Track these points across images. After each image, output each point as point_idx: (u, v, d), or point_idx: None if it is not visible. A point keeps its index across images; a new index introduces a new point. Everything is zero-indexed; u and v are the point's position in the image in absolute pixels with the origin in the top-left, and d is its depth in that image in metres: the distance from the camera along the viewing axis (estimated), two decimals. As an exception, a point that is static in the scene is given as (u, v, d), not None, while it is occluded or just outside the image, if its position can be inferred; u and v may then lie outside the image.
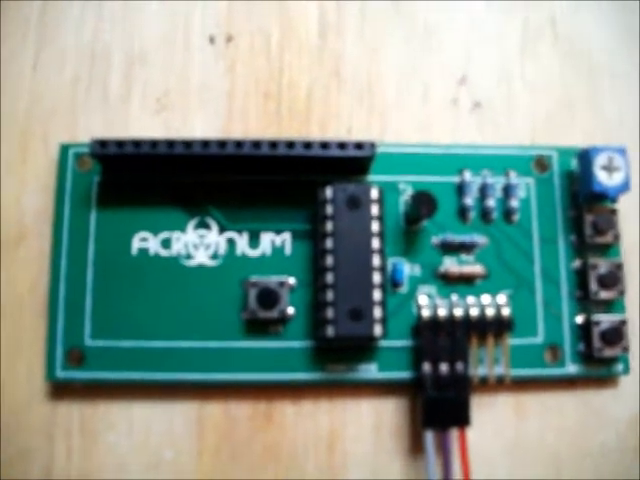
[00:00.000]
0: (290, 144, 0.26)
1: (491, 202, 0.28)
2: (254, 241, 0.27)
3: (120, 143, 0.26)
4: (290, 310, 0.27)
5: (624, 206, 0.28)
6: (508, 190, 0.28)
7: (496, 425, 0.28)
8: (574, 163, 0.28)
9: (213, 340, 0.26)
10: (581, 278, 0.28)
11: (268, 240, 0.27)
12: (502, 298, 0.27)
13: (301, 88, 0.29)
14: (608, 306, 0.28)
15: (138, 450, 0.27)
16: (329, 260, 0.26)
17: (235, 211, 0.27)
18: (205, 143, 0.26)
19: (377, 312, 0.25)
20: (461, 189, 0.28)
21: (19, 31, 0.29)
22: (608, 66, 0.30)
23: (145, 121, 0.29)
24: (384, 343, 0.27)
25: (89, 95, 0.29)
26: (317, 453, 0.27)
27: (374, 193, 0.26)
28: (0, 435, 0.26)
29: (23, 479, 0.26)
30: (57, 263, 0.27)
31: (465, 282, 0.27)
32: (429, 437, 0.26)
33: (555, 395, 0.28)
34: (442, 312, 0.27)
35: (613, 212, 0.28)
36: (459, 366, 0.26)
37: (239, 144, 0.26)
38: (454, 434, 0.26)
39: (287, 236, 0.27)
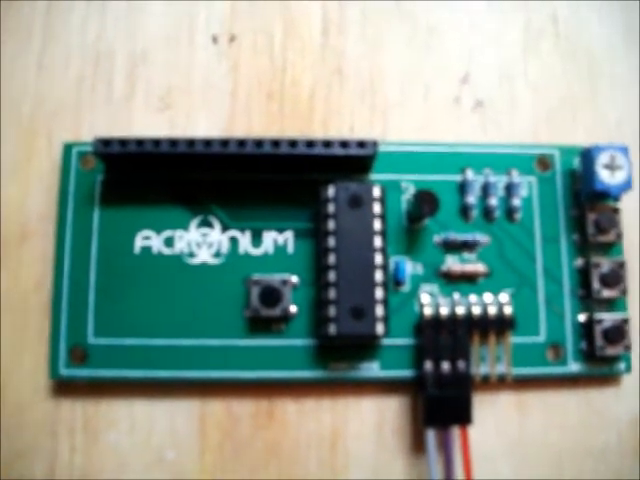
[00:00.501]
0: (292, 143, 0.26)
1: (493, 201, 0.28)
2: (257, 240, 0.27)
3: (123, 142, 0.26)
4: (292, 308, 0.27)
5: (627, 205, 0.28)
6: (510, 189, 0.28)
7: (498, 424, 0.28)
8: (576, 162, 0.28)
9: (216, 338, 0.27)
10: (583, 277, 0.28)
11: (270, 239, 0.27)
12: (504, 297, 0.27)
13: (304, 87, 0.29)
14: (610, 305, 0.28)
15: (140, 448, 0.27)
16: (331, 258, 0.26)
17: (238, 210, 0.27)
18: (208, 142, 0.26)
19: (379, 310, 0.25)
20: (463, 188, 0.28)
21: (24, 31, 0.30)
22: (610, 65, 0.30)
23: (149, 120, 0.29)
24: (386, 341, 0.27)
25: (93, 94, 0.29)
26: (319, 451, 0.27)
27: (376, 192, 0.26)
28: (3, 432, 0.26)
29: (26, 476, 0.26)
30: (60, 261, 0.27)
31: (467, 281, 0.27)
32: (431, 435, 0.26)
33: (557, 394, 0.28)
34: (444, 310, 0.27)
35: (615, 211, 0.28)
36: (461, 364, 0.26)
37: (242, 143, 0.26)
38: (456, 432, 0.26)
39: (289, 235, 0.27)
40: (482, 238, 0.28)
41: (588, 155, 0.27)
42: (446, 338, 0.27)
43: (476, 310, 0.27)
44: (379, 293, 0.26)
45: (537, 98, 0.30)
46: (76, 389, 0.27)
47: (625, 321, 0.27)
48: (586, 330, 0.27)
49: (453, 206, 0.28)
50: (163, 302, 0.27)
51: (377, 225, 0.26)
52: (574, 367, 0.27)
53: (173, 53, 0.30)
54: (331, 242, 0.26)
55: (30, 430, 0.27)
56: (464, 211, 0.28)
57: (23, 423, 0.27)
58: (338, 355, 0.27)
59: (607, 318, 0.27)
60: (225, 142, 0.26)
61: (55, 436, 0.27)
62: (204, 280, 0.27)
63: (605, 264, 0.27)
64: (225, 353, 0.26)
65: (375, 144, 0.26)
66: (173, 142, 0.26)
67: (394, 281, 0.27)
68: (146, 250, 0.27)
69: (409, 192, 0.28)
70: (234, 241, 0.27)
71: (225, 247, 0.27)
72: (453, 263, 0.28)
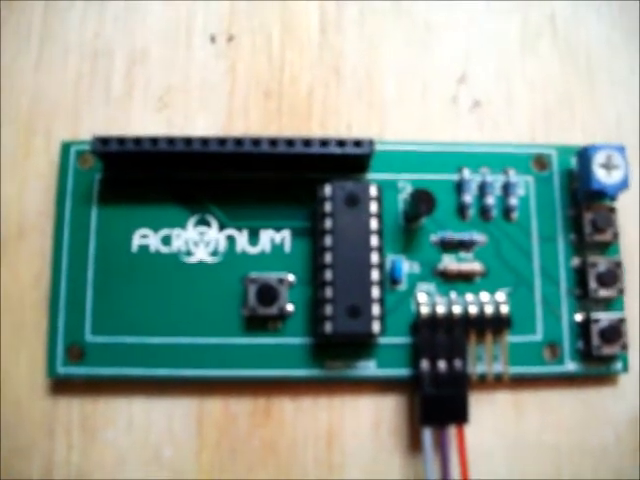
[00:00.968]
0: (289, 142, 0.26)
1: (490, 200, 0.28)
2: (254, 238, 0.27)
3: (121, 140, 0.26)
4: (289, 307, 0.27)
5: (624, 204, 0.28)
6: (507, 188, 0.28)
7: (495, 423, 0.28)
8: (573, 161, 0.28)
9: (213, 336, 0.27)
10: (580, 276, 0.28)
11: (268, 237, 0.27)
12: (501, 296, 0.27)
13: (302, 86, 0.30)
14: (607, 304, 0.28)
15: (138, 446, 0.27)
16: (328, 257, 0.26)
17: (235, 208, 0.28)
18: (205, 141, 0.26)
19: (375, 309, 0.25)
20: (460, 187, 0.28)
21: (22, 30, 0.30)
22: (608, 64, 0.30)
23: (147, 119, 0.29)
24: (383, 340, 0.27)
25: (91, 93, 0.29)
26: (316, 450, 0.27)
27: (373, 191, 0.26)
28: (1, 430, 0.27)
29: (24, 474, 0.26)
30: (58, 259, 0.27)
31: (464, 280, 0.27)
32: (427, 434, 0.26)
33: (554, 393, 0.28)
34: (441, 309, 0.27)
35: (612, 210, 0.28)
36: (457, 363, 0.26)
37: (239, 142, 0.26)
38: (452, 431, 0.26)
39: (287, 233, 0.27)
40: (479, 237, 0.28)
41: (585, 154, 0.27)
42: (443, 337, 0.27)
43: (473, 309, 0.27)
44: (375, 292, 0.26)
45: (535, 97, 0.30)
46: (73, 387, 0.27)
47: (622, 320, 0.27)
48: (583, 329, 0.27)
49: (450, 205, 0.28)
50: (160, 300, 0.27)
51: (374, 224, 0.26)
52: (571, 366, 0.27)
53: (171, 52, 0.30)
54: (328, 241, 0.26)
55: (27, 428, 0.27)
56: (461, 210, 0.28)
57: (20, 421, 0.27)
58: (335, 354, 0.27)
59: (604, 317, 0.27)
60: (222, 141, 0.26)
61: (52, 434, 0.27)
62: (201, 279, 0.27)
63: (602, 263, 0.27)
64: (222, 351, 0.26)
65: (372, 143, 0.26)
66: (171, 141, 0.26)
67: (391, 280, 0.27)
68: (143, 248, 0.27)
69: (406, 191, 0.28)
70: (231, 240, 0.27)
71: (222, 246, 0.27)
72: (450, 262, 0.28)
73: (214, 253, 0.27)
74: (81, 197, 0.27)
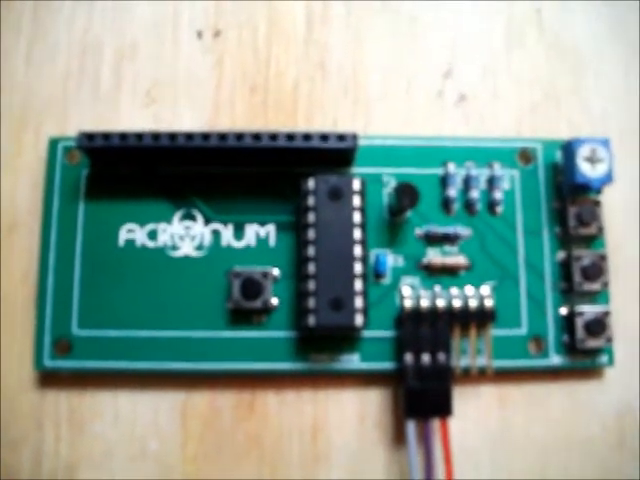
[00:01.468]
0: (273, 136, 0.26)
1: (475, 194, 0.28)
2: (239, 232, 0.28)
3: (106, 136, 0.26)
4: (274, 300, 0.27)
5: (608, 198, 0.28)
6: (492, 182, 0.28)
7: (479, 416, 0.28)
8: (558, 155, 0.28)
9: (198, 330, 0.27)
10: (565, 269, 0.28)
11: (252, 232, 0.28)
12: (485, 289, 0.27)
13: (287, 81, 0.30)
14: (592, 297, 0.28)
15: (124, 439, 0.27)
16: (311, 250, 0.26)
17: (220, 203, 0.28)
18: (189, 135, 0.26)
19: (358, 302, 0.26)
20: (445, 181, 0.28)
21: (12, 26, 0.30)
22: (593, 58, 0.30)
23: (135, 114, 0.29)
24: (367, 333, 0.27)
25: (80, 89, 0.30)
26: (300, 442, 0.27)
27: (356, 184, 0.26)
28: (-10, 423, 0.27)
29: (13, 466, 0.27)
30: (46, 254, 0.27)
31: (448, 273, 0.28)
32: (411, 427, 0.26)
33: (539, 386, 0.28)
34: (425, 303, 0.27)
35: (597, 204, 0.28)
36: (441, 357, 0.26)
37: (223, 136, 0.26)
38: (436, 424, 0.26)
39: (271, 228, 0.28)
40: (464, 231, 0.28)
41: (569, 148, 0.27)
42: (427, 330, 0.27)
43: (457, 303, 0.27)
44: (358, 285, 0.26)
45: (520, 92, 0.30)
46: (61, 380, 0.27)
47: (606, 314, 0.27)
48: (568, 323, 0.27)
49: (435, 199, 0.28)
50: (146, 294, 0.27)
51: (357, 217, 0.26)
52: (556, 360, 0.27)
53: (159, 48, 0.30)
54: (311, 234, 0.26)
55: (16, 421, 0.27)
56: (446, 204, 0.28)
57: (9, 414, 0.27)
58: (319, 347, 0.27)
59: (588, 311, 0.27)
60: (207, 136, 0.26)
61: (41, 426, 0.27)
62: (187, 272, 0.27)
63: (587, 257, 0.27)
64: (207, 345, 0.27)
65: (355, 137, 0.26)
66: (156, 136, 0.26)
67: (375, 273, 0.27)
68: (130, 243, 0.27)
69: (391, 185, 0.28)
70: (216, 234, 0.28)
71: (208, 240, 0.28)
72: (434, 256, 0.28)
73: (199, 247, 0.27)
74: (68, 192, 0.28)
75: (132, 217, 0.28)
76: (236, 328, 0.27)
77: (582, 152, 0.27)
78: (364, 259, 0.26)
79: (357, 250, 0.26)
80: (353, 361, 0.27)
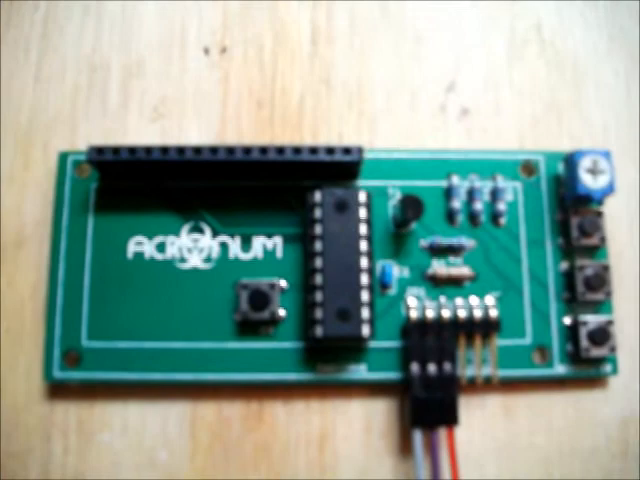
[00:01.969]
0: (280, 150, 0.27)
1: (479, 205, 0.28)
2: (246, 245, 0.28)
3: (116, 150, 0.27)
4: (281, 312, 0.27)
5: (610, 208, 0.29)
6: (495, 194, 0.28)
7: (485, 426, 0.28)
8: (560, 167, 0.29)
9: (206, 341, 0.27)
10: (568, 280, 0.28)
11: (260, 244, 0.28)
12: (490, 300, 0.28)
13: (293, 96, 0.30)
14: (595, 307, 0.28)
15: (133, 449, 0.27)
16: (318, 262, 0.26)
17: (228, 216, 0.28)
18: (198, 149, 0.27)
19: (365, 313, 0.26)
20: (449, 193, 0.28)
21: (21, 43, 0.30)
22: (594, 71, 0.31)
23: (142, 129, 0.30)
24: (373, 344, 0.27)
25: (88, 104, 0.30)
26: (308, 453, 0.27)
27: (362, 197, 0.27)
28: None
29: (21, 477, 0.27)
30: (55, 266, 0.28)
31: (453, 284, 0.28)
32: (417, 437, 0.26)
33: (544, 396, 0.28)
34: (430, 313, 0.27)
35: (599, 214, 0.28)
36: (447, 367, 0.27)
37: (231, 150, 0.27)
38: (442, 434, 0.27)
39: (278, 240, 0.28)
40: (468, 242, 0.28)
41: (571, 160, 0.28)
42: (432, 341, 0.27)
43: (462, 313, 0.27)
44: (365, 296, 0.26)
45: (522, 105, 0.30)
46: (70, 392, 0.27)
47: (610, 323, 0.27)
48: (572, 332, 0.28)
49: (439, 211, 0.28)
50: (155, 306, 0.27)
51: (363, 229, 0.27)
52: (560, 369, 0.28)
53: (166, 64, 0.30)
54: (318, 246, 0.26)
55: (25, 432, 0.27)
56: (450, 216, 0.28)
57: (18, 425, 0.27)
58: (326, 357, 0.27)
59: (592, 320, 0.27)
60: (214, 150, 0.27)
61: (49, 438, 0.27)
62: (195, 284, 0.28)
63: (590, 267, 0.28)
64: (215, 356, 0.27)
65: (360, 150, 0.27)
66: (164, 150, 0.27)
67: (381, 284, 0.28)
68: (139, 255, 0.28)
69: (396, 198, 0.28)
70: (224, 246, 0.28)
71: (215, 252, 0.28)
72: (439, 267, 0.28)
73: (207, 259, 0.28)
74: (78, 206, 0.28)
75: (141, 230, 0.28)
76: (244, 339, 0.27)
77: (584, 164, 0.27)
78: (370, 270, 0.26)
79: (363, 261, 0.26)
80: (360, 371, 0.27)
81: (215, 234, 0.28)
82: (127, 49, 0.31)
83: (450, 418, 0.26)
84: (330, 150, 0.27)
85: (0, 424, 0.27)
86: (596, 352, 0.27)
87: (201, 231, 0.28)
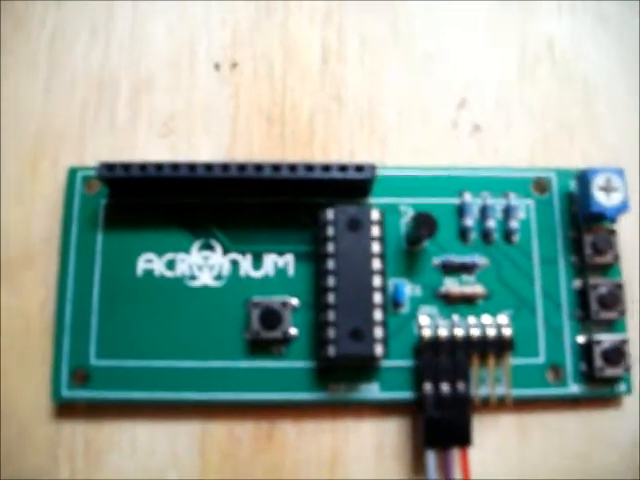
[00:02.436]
0: (292, 167, 0.26)
1: (491, 223, 0.28)
2: (257, 262, 0.28)
3: (126, 166, 0.26)
4: (292, 330, 0.27)
5: (624, 226, 0.29)
6: (508, 211, 0.28)
7: (498, 445, 0.28)
8: (573, 184, 0.29)
9: (216, 360, 0.27)
10: (582, 298, 0.28)
11: (271, 261, 0.28)
12: (503, 318, 0.27)
13: (303, 113, 0.30)
14: (609, 326, 0.28)
15: (142, 470, 0.27)
16: (330, 281, 0.26)
17: (239, 233, 0.28)
18: (209, 166, 0.26)
19: (378, 332, 0.26)
20: (461, 210, 0.28)
21: (30, 59, 0.30)
22: (606, 89, 0.31)
23: (152, 145, 0.30)
24: (386, 363, 0.27)
25: (97, 120, 0.30)
26: (319, 473, 0.27)
27: (375, 215, 0.27)
28: (4, 455, 0.27)
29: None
30: (64, 283, 0.27)
31: (466, 302, 0.28)
32: (431, 457, 0.26)
33: (558, 415, 0.28)
34: (443, 332, 0.27)
35: (612, 232, 0.28)
36: (460, 386, 0.26)
37: (242, 167, 0.26)
38: (456, 454, 0.26)
39: (290, 258, 0.28)
40: (480, 260, 0.28)
41: (584, 177, 0.27)
42: (445, 360, 0.27)
43: (475, 332, 0.27)
44: (378, 315, 0.26)
45: (534, 122, 0.30)
46: (78, 411, 0.27)
47: (624, 342, 0.27)
48: (585, 351, 0.27)
49: (452, 229, 0.28)
50: (164, 324, 0.27)
51: (376, 248, 0.26)
52: (574, 388, 0.27)
53: (176, 80, 0.30)
54: (330, 264, 0.26)
55: (32, 453, 0.27)
56: (462, 233, 0.28)
57: (25, 445, 0.27)
58: (338, 377, 0.27)
59: (606, 339, 0.27)
60: (226, 166, 0.26)
61: (56, 458, 0.27)
62: (205, 302, 0.27)
63: (603, 285, 0.27)
64: (225, 375, 0.27)
65: (373, 168, 0.26)
66: (175, 166, 0.26)
67: (393, 303, 0.27)
68: (148, 273, 0.27)
69: (408, 215, 0.28)
70: (235, 264, 0.28)
71: (226, 270, 0.28)
72: (452, 285, 0.28)
73: (218, 277, 0.28)
74: (87, 222, 0.28)
75: (150, 247, 0.28)
76: (255, 358, 0.27)
77: (597, 181, 0.27)
78: (383, 289, 0.26)
79: (376, 280, 0.26)
80: (372, 391, 0.27)
81: (226, 251, 0.28)
82: (136, 64, 0.30)
83: (464, 438, 0.26)
84: (343, 168, 0.26)
85: (7, 444, 0.27)
86: (611, 371, 0.27)
87: (212, 248, 0.28)
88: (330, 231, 0.26)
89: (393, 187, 0.28)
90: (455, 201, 0.28)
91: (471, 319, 0.27)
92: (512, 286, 0.28)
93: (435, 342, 0.27)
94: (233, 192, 0.28)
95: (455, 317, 0.27)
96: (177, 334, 0.27)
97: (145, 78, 0.30)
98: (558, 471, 0.27)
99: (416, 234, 0.27)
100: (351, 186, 0.27)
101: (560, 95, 0.31)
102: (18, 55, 0.30)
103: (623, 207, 0.27)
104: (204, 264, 0.28)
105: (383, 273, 0.26)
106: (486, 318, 0.27)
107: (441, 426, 0.26)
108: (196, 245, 0.28)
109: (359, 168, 0.26)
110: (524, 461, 0.27)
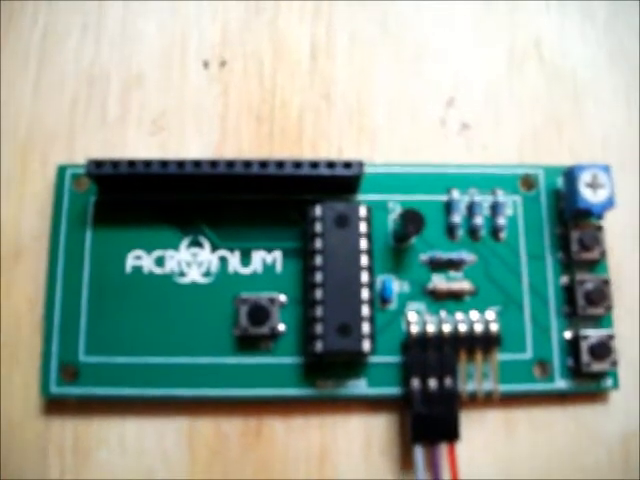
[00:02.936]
0: (280, 164, 0.27)
1: (479, 220, 0.28)
2: (246, 259, 0.28)
3: (115, 163, 0.26)
4: (281, 327, 0.27)
5: (610, 223, 0.29)
6: (495, 208, 0.28)
7: (486, 441, 0.28)
8: (560, 181, 0.29)
9: (205, 356, 0.27)
10: (569, 294, 0.28)
11: (259, 258, 0.28)
12: (490, 314, 0.28)
13: (293, 110, 0.30)
14: (596, 321, 0.28)
15: (130, 467, 0.27)
16: (318, 277, 0.26)
17: (227, 230, 0.28)
18: (197, 163, 0.26)
19: (365, 328, 0.26)
20: (449, 207, 0.28)
21: (20, 56, 0.30)
22: (593, 85, 0.31)
23: (141, 143, 0.30)
24: (373, 359, 0.27)
25: (87, 117, 0.30)
26: (308, 469, 0.27)
27: (362, 211, 0.27)
28: (-5, 451, 0.27)
29: (17, 495, 0.27)
30: (53, 280, 0.27)
31: (453, 299, 0.28)
32: (419, 452, 0.26)
33: (545, 410, 0.28)
34: (431, 328, 0.27)
35: (599, 228, 0.28)
36: (448, 382, 0.26)
37: (230, 164, 0.26)
38: (444, 449, 0.26)
39: (278, 254, 0.28)
40: (468, 257, 0.28)
41: (571, 174, 0.28)
42: (433, 356, 0.27)
43: (462, 328, 0.27)
44: (365, 310, 0.26)
45: (522, 120, 0.30)
46: (67, 408, 0.27)
47: (611, 337, 0.27)
48: (572, 347, 0.28)
49: (439, 225, 0.28)
50: (154, 321, 0.27)
51: (363, 244, 0.26)
52: (561, 384, 0.27)
53: (165, 78, 0.30)
54: (318, 260, 0.26)
55: (20, 449, 0.27)
56: (450, 230, 0.28)
57: (13, 442, 0.27)
58: (326, 373, 0.27)
59: (593, 334, 0.27)
60: (214, 163, 0.26)
61: (45, 455, 0.27)
62: (194, 299, 0.27)
63: (590, 281, 0.28)
64: (214, 371, 0.27)
65: (361, 165, 0.27)
66: (164, 163, 0.26)
67: (381, 299, 0.28)
68: (137, 270, 0.28)
69: (396, 212, 0.28)
70: (223, 260, 0.28)
71: (215, 266, 0.28)
72: (439, 281, 0.28)
73: (207, 274, 0.28)
74: (76, 219, 0.28)
75: (139, 244, 0.28)
76: (243, 354, 0.27)
77: (584, 178, 0.27)
78: (371, 285, 0.26)
79: (364, 276, 0.26)
80: (360, 387, 0.27)
81: (214, 248, 0.28)
82: (127, 62, 0.30)
83: (451, 434, 0.26)
84: (331, 164, 0.27)
85: (-3, 440, 0.27)
86: (597, 367, 0.27)
87: (200, 245, 0.28)
88: (318, 227, 0.27)
89: (381, 184, 0.28)
90: (443, 198, 0.29)
91: (458, 315, 0.28)
92: (499, 282, 0.28)
93: (423, 338, 0.27)
94: (222, 189, 0.28)
95: (443, 313, 0.28)
96: (166, 330, 0.27)
97: (135, 76, 0.30)
98: (545, 466, 0.28)
99: (404, 231, 0.27)
100: (339, 183, 0.27)
101: (548, 92, 0.31)
102: (9, 52, 0.30)
103: (609, 203, 0.27)
104: (193, 261, 0.28)
105: (371, 269, 0.27)
106: (473, 314, 0.28)
107: (429, 421, 0.26)
108: (185, 242, 0.28)
109: (347, 165, 0.27)
110: (511, 456, 0.28)
